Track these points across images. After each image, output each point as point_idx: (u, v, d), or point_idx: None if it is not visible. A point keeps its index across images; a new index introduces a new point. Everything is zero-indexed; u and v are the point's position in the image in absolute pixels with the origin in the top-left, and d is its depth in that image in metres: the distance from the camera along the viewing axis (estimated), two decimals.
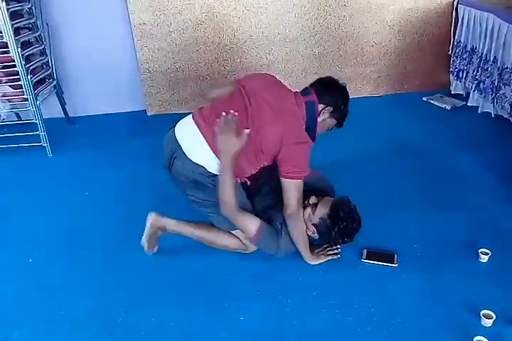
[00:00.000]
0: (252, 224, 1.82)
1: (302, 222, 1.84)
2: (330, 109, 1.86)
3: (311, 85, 1.92)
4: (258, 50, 3.42)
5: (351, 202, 1.87)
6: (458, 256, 1.93)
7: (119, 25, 3.27)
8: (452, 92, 3.54)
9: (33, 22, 3.04)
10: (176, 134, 1.81)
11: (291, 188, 1.75)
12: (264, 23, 3.33)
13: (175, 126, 1.86)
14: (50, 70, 3.21)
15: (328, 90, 1.88)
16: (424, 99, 3.50)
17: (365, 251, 1.96)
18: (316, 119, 1.84)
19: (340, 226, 1.80)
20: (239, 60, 3.44)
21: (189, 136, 1.78)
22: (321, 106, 1.84)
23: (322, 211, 1.83)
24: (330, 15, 3.37)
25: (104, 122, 3.44)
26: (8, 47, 2.71)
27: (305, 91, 1.87)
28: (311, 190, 1.91)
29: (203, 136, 1.74)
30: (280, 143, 1.70)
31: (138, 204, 2.31)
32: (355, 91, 3.58)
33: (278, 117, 1.72)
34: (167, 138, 1.85)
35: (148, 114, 3.51)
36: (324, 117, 1.87)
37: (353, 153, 2.76)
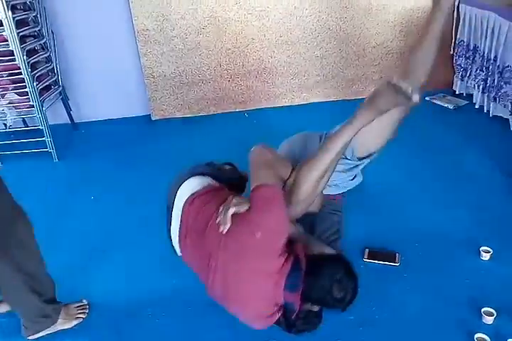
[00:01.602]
0: None
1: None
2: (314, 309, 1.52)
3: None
4: (261, 53, 3.45)
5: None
6: (459, 255, 1.93)
7: (123, 31, 3.31)
8: (456, 92, 3.54)
9: (38, 30, 3.09)
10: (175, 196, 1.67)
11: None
12: (266, 27, 3.36)
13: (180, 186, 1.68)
14: (56, 77, 3.26)
15: (321, 292, 1.41)
16: (427, 98, 3.50)
17: (366, 250, 1.97)
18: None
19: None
20: (241, 64, 3.46)
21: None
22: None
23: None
24: (331, 17, 3.38)
25: (110, 127, 3.48)
26: (14, 55, 2.76)
27: (292, 285, 1.41)
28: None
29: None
30: None
31: (143, 208, 2.34)
32: (357, 92, 3.60)
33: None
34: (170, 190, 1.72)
35: (153, 118, 3.55)
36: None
37: None
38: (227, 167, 1.88)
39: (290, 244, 1.47)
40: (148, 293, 1.85)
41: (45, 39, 3.15)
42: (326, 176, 1.62)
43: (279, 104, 3.62)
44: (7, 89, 2.89)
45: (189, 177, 1.69)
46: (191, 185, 1.65)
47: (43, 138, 2.98)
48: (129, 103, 3.57)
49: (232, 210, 1.40)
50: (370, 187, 2.41)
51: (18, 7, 2.89)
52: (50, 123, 3.00)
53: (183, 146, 3.04)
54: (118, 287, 1.91)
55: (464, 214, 2.18)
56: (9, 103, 2.93)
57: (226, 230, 1.39)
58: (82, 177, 2.81)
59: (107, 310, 1.78)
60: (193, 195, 1.60)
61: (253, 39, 3.39)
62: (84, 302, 1.79)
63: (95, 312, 1.77)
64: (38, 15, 3.07)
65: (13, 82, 2.86)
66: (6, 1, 2.63)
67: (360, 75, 3.60)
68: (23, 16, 2.90)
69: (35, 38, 3.06)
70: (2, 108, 2.94)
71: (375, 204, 2.22)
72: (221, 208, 1.44)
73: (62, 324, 1.70)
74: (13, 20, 2.70)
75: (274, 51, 3.45)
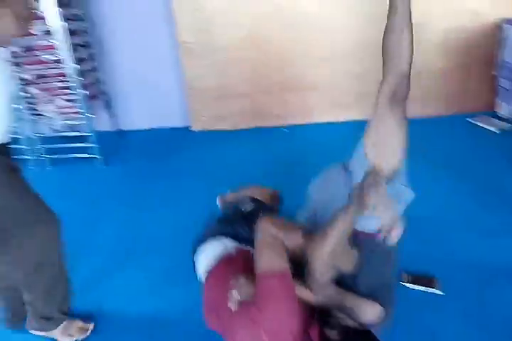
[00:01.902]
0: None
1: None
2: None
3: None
4: (300, 69, 3.47)
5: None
6: (503, 285, 1.87)
7: (166, 43, 3.40)
8: (499, 114, 3.46)
9: (87, 40, 3.21)
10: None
11: None
12: (306, 43, 3.38)
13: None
14: (102, 86, 3.36)
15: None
16: (469, 120, 3.43)
17: (405, 274, 1.93)
18: None
19: None
20: (281, 79, 3.49)
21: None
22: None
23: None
24: (371, 34, 3.38)
25: (151, 136, 3.57)
26: (64, 63, 2.86)
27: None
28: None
29: None
30: None
31: (183, 215, 2.38)
32: None
33: None
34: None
35: (192, 129, 3.60)
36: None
37: None
38: (248, 207, 1.83)
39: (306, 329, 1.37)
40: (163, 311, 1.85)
41: (93, 49, 3.26)
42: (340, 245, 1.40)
43: (316, 120, 3.62)
44: (56, 95, 2.99)
45: (207, 240, 1.67)
46: (207, 256, 1.62)
47: (90, 145, 3.07)
48: (170, 113, 3.65)
49: (237, 298, 1.36)
50: (410, 211, 2.37)
51: (71, 18, 3.00)
52: (96, 130, 3.09)
53: (221, 158, 3.07)
54: (138, 297, 1.92)
55: (509, 242, 2.11)
56: (58, 109, 3.03)
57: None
58: (127, 183, 2.87)
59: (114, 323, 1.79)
60: (207, 271, 1.57)
61: (293, 55, 3.41)
62: (89, 326, 1.74)
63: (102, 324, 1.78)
64: (88, 26, 3.18)
65: (63, 88, 2.96)
66: (60, 12, 2.73)
67: None
68: (75, 27, 3.01)
69: (84, 47, 3.17)
70: (50, 113, 3.04)
71: (415, 229, 2.17)
72: (229, 296, 1.39)
73: (58, 335, 1.70)
74: (66, 29, 2.80)
75: (313, 67, 3.47)
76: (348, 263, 1.46)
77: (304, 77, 3.51)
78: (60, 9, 2.72)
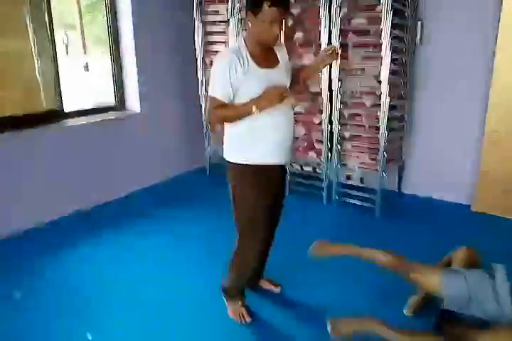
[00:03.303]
0: None
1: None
2: None
3: None
4: None
5: None
6: None
7: (471, 126, 3.66)
8: None
9: (401, 115, 3.80)
10: None
11: None
12: None
13: None
14: (401, 152, 3.90)
15: None
16: None
17: None
18: None
19: None
20: None
21: None
22: None
23: None
24: None
25: (427, 205, 3.87)
26: (379, 130, 3.50)
27: None
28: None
29: None
30: None
31: None
32: None
33: None
34: None
35: (472, 209, 3.73)
36: None
37: None
38: None
39: None
40: None
41: (403, 122, 3.83)
42: None
43: None
44: (363, 153, 3.67)
45: None
46: None
47: (373, 197, 3.63)
48: (455, 189, 3.86)
49: None
50: None
51: (394, 96, 3.59)
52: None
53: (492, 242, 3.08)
54: None
55: None
56: (360, 163, 3.70)
57: None
58: (395, 236, 3.23)
59: None
60: None
61: None
62: None
63: None
64: (406, 104, 3.78)
65: (371, 149, 3.61)
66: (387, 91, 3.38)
67: None
68: (396, 103, 3.62)
69: (397, 120, 3.75)
70: (354, 165, 3.74)
71: None
72: None
73: None
74: (389, 105, 3.43)
75: None
76: None
77: None
78: (390, 88, 3.38)
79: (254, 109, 1.92)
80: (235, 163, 2.12)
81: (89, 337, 2.21)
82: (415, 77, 3.80)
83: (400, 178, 4.08)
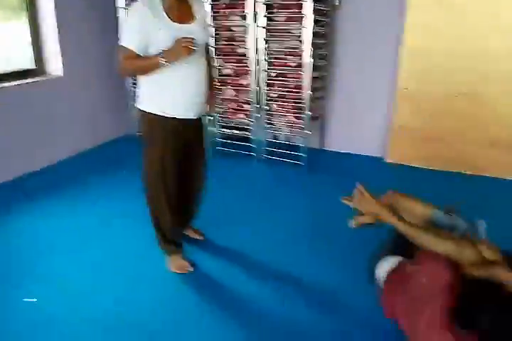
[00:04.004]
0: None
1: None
2: None
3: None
4: (504, 125, 3.69)
5: None
6: None
7: (385, 85, 4.00)
8: None
9: (323, 75, 4.03)
10: None
11: None
12: None
13: None
14: (323, 111, 4.15)
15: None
16: None
17: None
18: None
19: None
20: (489, 135, 3.72)
21: None
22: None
23: None
24: None
25: (347, 159, 4.22)
26: (303, 90, 3.70)
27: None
28: None
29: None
30: None
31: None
32: None
33: None
34: None
35: (386, 161, 4.13)
36: None
37: None
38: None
39: None
40: None
41: (325, 82, 4.07)
42: None
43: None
44: (289, 112, 3.86)
45: (384, 256, 2.03)
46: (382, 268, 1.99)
47: (300, 154, 3.87)
48: (371, 143, 4.23)
49: None
50: None
51: (316, 56, 3.81)
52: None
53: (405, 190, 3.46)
54: None
55: None
56: (287, 122, 3.90)
57: None
58: (322, 188, 3.57)
59: None
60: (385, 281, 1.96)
61: (500, 112, 3.68)
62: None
63: None
64: (327, 64, 4.01)
65: (295, 108, 3.81)
66: (312, 52, 3.58)
67: None
68: (318, 63, 3.84)
69: (319, 80, 3.99)
70: (280, 124, 3.93)
71: None
72: None
73: None
74: (312, 65, 3.64)
75: None
76: None
77: (506, 133, 3.72)
78: (312, 49, 3.58)
79: (163, 60, 1.96)
80: (144, 111, 2.16)
81: (34, 300, 2.20)
82: (335, 39, 4.04)
83: (322, 136, 4.38)
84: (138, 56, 2.01)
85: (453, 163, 3.90)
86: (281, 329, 2.02)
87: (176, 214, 2.39)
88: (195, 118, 2.24)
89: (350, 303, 2.20)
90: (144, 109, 2.17)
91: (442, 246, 1.65)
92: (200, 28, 2.15)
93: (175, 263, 2.43)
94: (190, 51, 1.96)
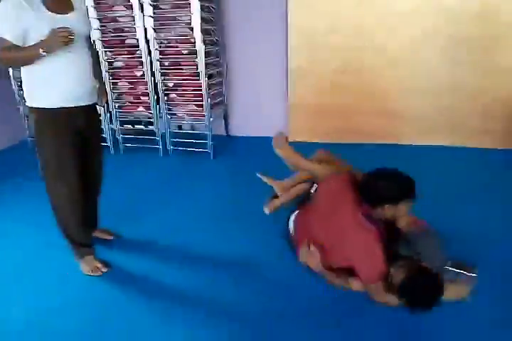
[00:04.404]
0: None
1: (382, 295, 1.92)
2: (387, 207, 1.92)
3: (360, 190, 2.00)
4: (392, 96, 3.97)
5: (434, 273, 1.82)
6: None
7: (279, 66, 4.12)
8: None
9: (218, 60, 4.04)
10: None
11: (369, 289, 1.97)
12: (399, 74, 3.90)
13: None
14: (223, 97, 4.17)
15: (375, 190, 1.93)
16: None
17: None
18: (381, 222, 1.98)
19: (408, 296, 1.80)
20: (374, 103, 4.02)
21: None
22: (379, 211, 1.94)
23: (399, 276, 1.84)
24: (463, 71, 3.82)
25: (253, 143, 4.29)
26: (199, 77, 3.68)
27: (358, 202, 1.99)
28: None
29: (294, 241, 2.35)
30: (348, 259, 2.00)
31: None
32: (480, 142, 3.98)
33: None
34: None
35: (289, 140, 4.23)
36: (385, 214, 1.96)
37: None
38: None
39: None
40: None
41: (221, 68, 4.09)
42: None
43: (402, 142, 4.09)
44: (190, 101, 3.82)
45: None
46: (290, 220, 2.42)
47: (206, 141, 3.86)
48: (273, 125, 4.31)
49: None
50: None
51: (209, 43, 3.83)
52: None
53: None
54: None
55: None
56: (188, 111, 3.86)
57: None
58: (229, 173, 3.62)
59: None
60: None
61: (387, 83, 3.95)
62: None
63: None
64: (220, 50, 4.02)
65: (195, 96, 3.79)
66: (202, 38, 3.57)
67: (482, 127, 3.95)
68: (211, 49, 3.85)
69: (214, 66, 4.00)
70: (182, 114, 3.88)
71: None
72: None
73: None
74: (203, 51, 3.63)
75: (404, 96, 3.98)
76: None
77: (395, 103, 4.00)
78: (203, 36, 3.57)
79: (41, 50, 1.91)
80: (32, 108, 2.09)
81: None
82: (225, 24, 4.06)
83: (227, 122, 4.41)
84: (16, 46, 1.93)
85: (347, 134, 4.15)
86: (215, 310, 2.02)
87: (80, 212, 2.29)
88: (84, 105, 2.16)
89: (270, 272, 2.27)
90: (32, 105, 2.08)
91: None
92: (79, 18, 2.09)
93: (88, 266, 2.33)
94: (67, 41, 1.91)
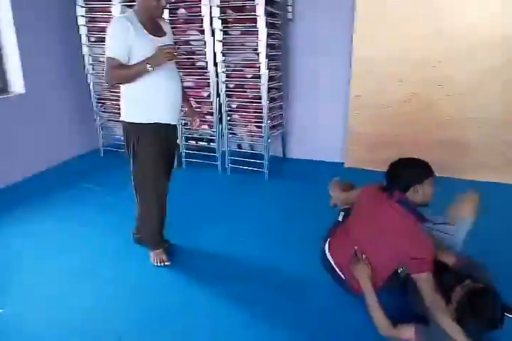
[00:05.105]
0: (407, 331, 1.88)
1: (445, 316, 1.83)
2: (415, 188, 2.09)
3: (388, 182, 2.22)
4: (454, 129, 3.91)
5: (495, 295, 1.80)
6: None
7: (340, 94, 4.20)
8: None
9: (280, 85, 4.19)
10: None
11: (421, 285, 1.94)
12: (461, 106, 3.83)
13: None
14: (283, 120, 4.31)
15: (399, 177, 2.15)
16: None
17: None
18: (415, 206, 2.11)
19: (468, 318, 1.78)
20: (436, 137, 3.97)
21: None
22: (409, 194, 2.10)
23: (456, 296, 1.84)
24: None
25: (309, 166, 4.37)
26: (261, 100, 3.84)
27: (390, 194, 2.16)
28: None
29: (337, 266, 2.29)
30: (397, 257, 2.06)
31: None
32: None
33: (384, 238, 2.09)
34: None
35: (345, 166, 4.30)
36: (416, 196, 2.10)
37: None
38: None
39: None
40: None
41: (282, 92, 4.23)
42: None
43: (463, 176, 3.95)
44: (250, 122, 4.00)
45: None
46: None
47: (262, 161, 4.00)
48: (329, 150, 4.41)
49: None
50: None
51: (272, 67, 3.99)
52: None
53: None
54: None
55: None
56: (248, 131, 4.03)
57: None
58: (282, 194, 3.72)
59: None
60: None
61: (448, 116, 3.91)
62: None
63: None
64: (282, 75, 4.18)
65: (256, 117, 3.95)
66: (266, 63, 3.73)
67: None
68: (274, 74, 4.01)
69: (276, 90, 4.14)
70: (242, 134, 4.06)
71: None
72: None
73: None
74: (268, 76, 3.79)
75: (466, 128, 3.90)
76: None
77: (457, 136, 3.92)
78: (268, 61, 3.74)
79: (148, 66, 2.18)
80: (133, 123, 2.35)
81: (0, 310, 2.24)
82: (289, 51, 4.23)
83: (284, 144, 4.53)
84: (122, 65, 2.22)
85: None
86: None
87: (163, 214, 2.60)
88: (174, 123, 2.48)
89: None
90: (132, 121, 2.36)
91: None
92: (170, 41, 2.44)
93: (158, 257, 2.63)
94: (171, 57, 2.21)
